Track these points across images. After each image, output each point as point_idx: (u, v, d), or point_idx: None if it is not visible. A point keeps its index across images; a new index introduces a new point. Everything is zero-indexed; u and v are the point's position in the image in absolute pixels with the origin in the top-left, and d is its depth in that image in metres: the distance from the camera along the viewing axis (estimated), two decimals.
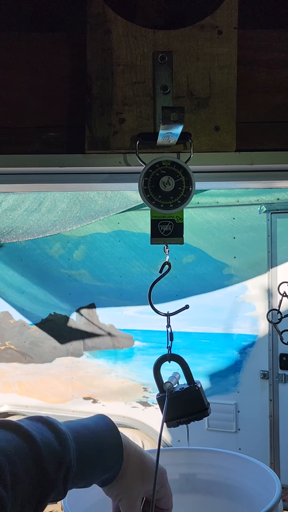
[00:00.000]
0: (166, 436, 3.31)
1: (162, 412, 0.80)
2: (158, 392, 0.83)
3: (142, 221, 3.58)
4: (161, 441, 0.70)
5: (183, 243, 0.82)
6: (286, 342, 0.96)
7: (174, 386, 0.82)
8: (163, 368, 0.82)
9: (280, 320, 0.98)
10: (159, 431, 0.71)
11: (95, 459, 0.63)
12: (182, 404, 0.80)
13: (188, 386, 0.81)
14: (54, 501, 0.59)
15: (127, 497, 0.66)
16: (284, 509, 3.22)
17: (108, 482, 0.66)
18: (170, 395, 0.79)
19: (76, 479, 0.61)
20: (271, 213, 3.27)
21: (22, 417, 4.17)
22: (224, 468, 0.85)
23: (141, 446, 0.81)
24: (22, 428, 0.58)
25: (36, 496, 0.55)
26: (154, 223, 0.81)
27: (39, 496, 0.55)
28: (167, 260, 0.83)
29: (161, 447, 0.69)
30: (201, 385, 0.82)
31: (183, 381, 0.83)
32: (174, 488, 0.72)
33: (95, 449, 0.63)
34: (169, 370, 0.85)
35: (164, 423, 0.80)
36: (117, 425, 0.68)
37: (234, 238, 3.40)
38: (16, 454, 0.54)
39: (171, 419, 0.80)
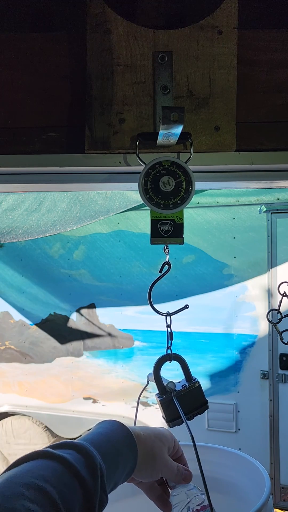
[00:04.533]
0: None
1: (164, 414, 0.80)
2: (157, 392, 0.82)
3: (142, 221, 3.58)
4: None
5: (183, 243, 0.82)
6: (286, 342, 0.96)
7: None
8: (146, 371, 0.83)
9: (280, 320, 0.98)
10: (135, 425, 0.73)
11: (115, 457, 0.66)
12: (186, 402, 0.81)
13: (188, 384, 0.82)
14: (101, 509, 0.60)
15: (164, 465, 0.72)
16: (284, 509, 3.22)
17: (131, 474, 0.70)
18: (176, 394, 0.80)
19: (108, 483, 0.62)
20: (271, 213, 3.27)
21: (22, 417, 4.17)
22: (214, 462, 0.85)
23: None
24: (52, 453, 0.59)
25: (85, 510, 0.56)
26: (154, 223, 0.81)
27: (87, 509, 0.56)
28: (167, 260, 0.83)
29: None
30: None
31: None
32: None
33: (112, 448, 0.66)
34: (165, 370, 0.85)
35: (168, 424, 0.80)
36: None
37: (234, 238, 3.40)
38: (58, 477, 0.56)
39: (176, 418, 0.81)
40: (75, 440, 0.65)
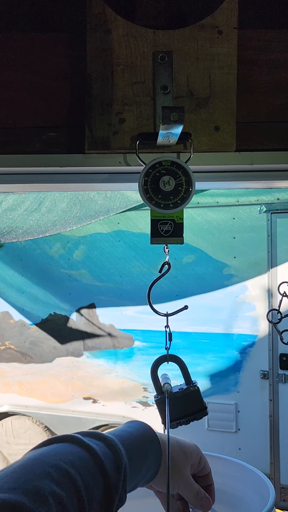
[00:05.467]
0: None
1: (160, 414, 0.80)
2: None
3: (142, 221, 3.58)
4: None
5: (183, 243, 0.82)
6: (286, 342, 0.96)
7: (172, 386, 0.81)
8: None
9: (280, 320, 0.98)
10: (160, 432, 0.71)
11: (141, 459, 0.65)
12: (182, 405, 0.79)
13: (186, 387, 0.81)
14: (117, 508, 0.59)
15: (182, 479, 0.70)
16: (284, 509, 3.22)
17: (152, 478, 0.69)
18: (170, 396, 0.79)
19: (129, 482, 0.62)
20: (271, 213, 3.27)
21: (22, 417, 4.18)
22: (220, 474, 0.84)
23: None
24: (81, 440, 0.59)
25: (104, 504, 0.56)
26: (154, 223, 0.81)
27: (106, 504, 0.56)
28: (167, 260, 0.83)
29: None
30: (198, 385, 0.82)
31: (174, 381, 0.83)
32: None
33: (139, 450, 0.66)
34: (165, 370, 0.85)
35: (164, 425, 0.79)
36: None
37: (234, 238, 3.40)
38: (84, 466, 0.56)
39: (171, 421, 0.80)
40: (105, 433, 0.64)
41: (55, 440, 0.59)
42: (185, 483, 0.70)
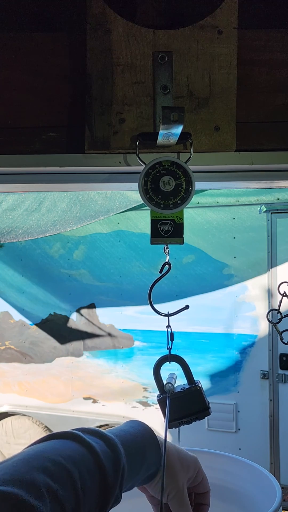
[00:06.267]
0: (167, 437, 3.29)
1: (162, 413, 0.80)
2: (158, 392, 0.82)
3: (142, 221, 3.58)
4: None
5: (183, 243, 0.82)
6: (286, 342, 0.96)
7: (174, 386, 0.81)
8: (162, 368, 0.82)
9: (280, 320, 0.98)
10: (159, 431, 0.71)
11: (140, 460, 0.65)
12: (184, 404, 0.79)
13: (189, 386, 0.81)
14: (112, 507, 0.60)
15: (175, 488, 0.68)
16: (284, 510, 3.23)
17: (149, 481, 0.68)
18: (172, 396, 0.79)
19: (125, 483, 0.62)
20: (271, 213, 3.27)
21: (22, 417, 4.18)
22: (225, 471, 0.84)
23: None
24: (82, 437, 0.59)
25: (100, 503, 0.56)
26: (154, 223, 0.81)
27: (102, 502, 0.57)
28: (167, 260, 0.83)
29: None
30: (201, 385, 0.81)
31: (180, 381, 0.83)
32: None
33: (138, 451, 0.65)
34: (168, 370, 0.85)
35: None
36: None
37: (234, 238, 3.40)
38: (83, 463, 0.56)
39: (173, 420, 0.80)
40: (106, 432, 0.64)
41: (55, 436, 0.60)
42: (178, 495, 0.68)
